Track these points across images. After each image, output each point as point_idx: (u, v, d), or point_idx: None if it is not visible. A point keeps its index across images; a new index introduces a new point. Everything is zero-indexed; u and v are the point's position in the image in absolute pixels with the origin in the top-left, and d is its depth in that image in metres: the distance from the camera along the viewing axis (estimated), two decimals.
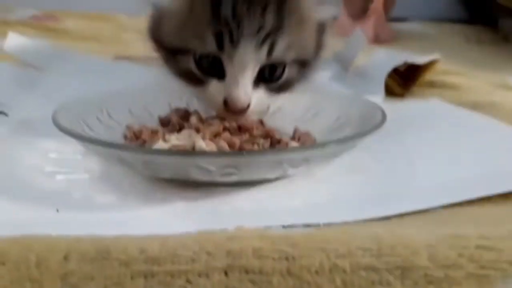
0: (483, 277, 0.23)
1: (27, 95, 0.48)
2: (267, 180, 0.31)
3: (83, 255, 0.22)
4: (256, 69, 0.33)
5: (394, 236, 0.24)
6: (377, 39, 0.90)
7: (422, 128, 0.42)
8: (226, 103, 0.34)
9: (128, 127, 0.36)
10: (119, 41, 0.82)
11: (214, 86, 0.34)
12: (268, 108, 0.37)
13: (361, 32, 0.59)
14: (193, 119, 0.36)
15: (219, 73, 0.33)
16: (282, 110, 0.39)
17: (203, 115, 0.37)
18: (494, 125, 0.43)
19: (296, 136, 0.36)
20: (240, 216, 0.28)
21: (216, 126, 0.34)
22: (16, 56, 0.57)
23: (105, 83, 0.48)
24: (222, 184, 0.30)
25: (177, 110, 0.39)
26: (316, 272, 0.22)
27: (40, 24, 0.91)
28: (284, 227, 0.26)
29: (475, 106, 0.48)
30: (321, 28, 0.37)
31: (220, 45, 0.32)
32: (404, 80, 0.55)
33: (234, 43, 0.32)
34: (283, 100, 0.37)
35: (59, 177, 0.32)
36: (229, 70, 0.33)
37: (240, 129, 0.34)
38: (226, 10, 0.31)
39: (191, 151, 0.31)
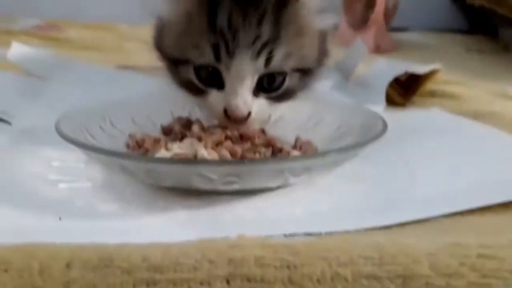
0: (485, 286, 0.23)
1: (30, 104, 0.48)
2: (268, 189, 0.31)
3: (85, 263, 0.22)
4: (255, 79, 0.33)
5: (396, 245, 0.24)
6: (378, 49, 0.90)
7: (423, 137, 0.42)
8: (226, 112, 0.34)
9: (131, 136, 0.36)
10: (121, 50, 0.83)
11: (214, 96, 0.34)
12: (269, 117, 0.37)
13: (362, 42, 0.60)
14: (195, 128, 0.36)
15: (219, 83, 0.34)
16: (283, 119, 0.40)
17: (205, 124, 0.37)
18: (494, 135, 0.43)
19: (297, 145, 0.36)
20: (242, 224, 0.28)
21: (218, 135, 0.34)
22: (19, 65, 0.57)
23: (107, 92, 0.49)
24: (224, 192, 0.31)
25: (179, 119, 0.39)
26: (318, 280, 0.22)
27: (43, 33, 0.92)
28: (285, 235, 0.26)
29: (476, 116, 0.48)
30: (323, 37, 0.37)
31: (217, 56, 0.32)
32: (404, 90, 0.55)
33: (231, 54, 0.32)
34: (285, 109, 0.37)
35: (62, 185, 0.33)
36: (227, 80, 0.33)
37: (242, 138, 0.35)
38: (222, 21, 0.32)
39: (193, 160, 0.31)
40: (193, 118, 0.40)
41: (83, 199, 0.31)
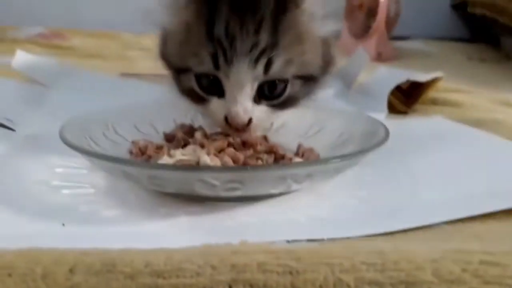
0: None
1: (34, 111, 0.48)
2: (271, 195, 0.31)
3: (89, 268, 0.22)
4: (254, 86, 0.33)
5: (398, 251, 0.24)
6: (379, 57, 0.91)
7: (425, 145, 0.42)
8: (227, 120, 0.34)
9: (134, 143, 0.37)
10: (124, 58, 0.84)
11: (215, 104, 0.35)
12: (272, 124, 0.37)
13: (364, 50, 0.60)
14: (198, 135, 0.36)
15: (219, 91, 0.34)
16: (286, 126, 0.40)
17: (208, 131, 0.37)
18: (496, 142, 0.43)
19: (299, 152, 0.37)
20: (244, 230, 0.28)
21: (221, 141, 0.34)
22: (23, 73, 0.58)
23: (111, 99, 0.49)
24: (227, 199, 0.31)
25: (182, 126, 0.39)
26: (320, 286, 0.22)
27: (47, 42, 0.93)
28: (288, 241, 0.26)
29: (478, 123, 0.48)
30: (327, 44, 0.37)
31: (216, 65, 0.33)
32: (406, 98, 0.55)
33: (229, 62, 0.32)
34: (287, 117, 0.38)
35: (66, 191, 0.33)
36: (227, 88, 0.34)
37: (244, 145, 0.35)
38: (219, 30, 0.32)
39: (196, 166, 0.31)
40: (196, 125, 0.40)
41: (86, 205, 0.31)
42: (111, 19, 1.08)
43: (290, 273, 0.23)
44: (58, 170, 0.36)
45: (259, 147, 0.35)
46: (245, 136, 0.35)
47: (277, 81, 0.34)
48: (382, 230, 0.28)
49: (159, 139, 0.38)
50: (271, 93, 0.34)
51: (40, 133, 0.43)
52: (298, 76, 0.35)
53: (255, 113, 0.34)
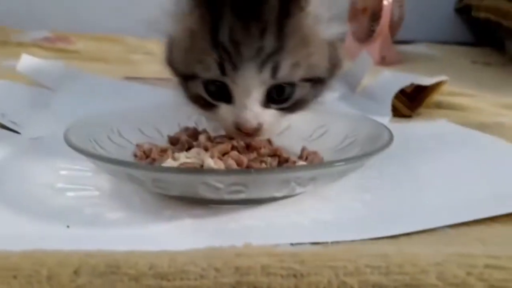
0: None
1: (39, 114, 0.49)
2: (275, 198, 0.31)
3: (93, 270, 0.22)
4: (262, 91, 0.33)
5: (403, 254, 0.24)
6: (383, 61, 0.91)
7: (429, 148, 0.42)
8: (237, 125, 0.34)
9: (138, 146, 0.37)
10: (128, 62, 0.84)
11: (224, 110, 0.35)
12: (281, 127, 0.37)
13: (367, 54, 0.60)
14: (202, 138, 0.36)
15: (227, 97, 0.34)
16: (290, 130, 0.40)
17: (212, 134, 0.37)
18: (500, 146, 0.43)
19: (303, 155, 0.37)
20: (248, 233, 0.28)
21: (225, 145, 0.34)
22: (28, 77, 0.58)
23: (115, 102, 0.49)
24: (231, 202, 0.31)
25: (186, 129, 0.39)
26: None
27: (52, 45, 0.93)
28: (292, 244, 0.26)
29: (482, 127, 0.48)
30: (333, 47, 0.37)
31: (223, 71, 0.33)
32: (410, 101, 0.55)
33: (235, 67, 0.32)
34: (291, 120, 0.37)
35: (70, 194, 0.33)
36: (235, 93, 0.33)
37: (248, 148, 0.35)
38: (224, 36, 0.32)
39: (200, 169, 0.31)
40: (200, 128, 0.40)
41: (91, 208, 0.31)
42: (116, 23, 1.09)
43: (294, 276, 0.23)
44: (63, 172, 0.36)
45: (263, 150, 0.35)
46: (256, 140, 0.35)
47: (284, 85, 0.34)
48: (386, 234, 0.28)
49: (163, 142, 0.38)
50: (279, 97, 0.34)
51: (45, 135, 0.43)
52: (306, 79, 0.34)
53: (265, 117, 0.34)
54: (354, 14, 0.94)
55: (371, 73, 0.60)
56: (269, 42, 0.32)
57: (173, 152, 0.34)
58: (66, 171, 0.36)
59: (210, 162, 0.31)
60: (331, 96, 0.38)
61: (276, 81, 0.33)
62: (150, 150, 0.36)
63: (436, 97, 0.57)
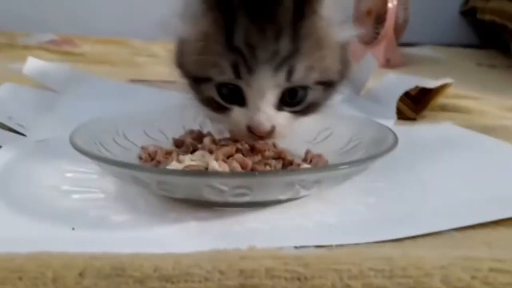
0: None
1: (45, 117, 0.49)
2: (279, 201, 0.31)
3: (98, 272, 0.23)
4: (277, 94, 0.33)
5: (407, 258, 0.24)
6: (388, 63, 0.91)
7: (434, 151, 0.42)
8: (250, 128, 0.34)
9: (143, 148, 0.37)
10: (133, 64, 0.84)
11: (237, 113, 0.34)
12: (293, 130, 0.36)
13: (372, 56, 0.60)
14: (207, 141, 0.36)
15: (240, 100, 0.34)
16: (294, 132, 0.40)
17: (216, 137, 0.37)
18: (505, 149, 0.43)
19: (308, 158, 0.37)
20: (253, 236, 0.28)
21: (229, 147, 0.34)
22: (35, 79, 0.59)
23: (121, 105, 0.49)
24: (235, 204, 0.31)
25: (191, 132, 0.40)
26: None
27: (58, 48, 0.94)
28: (296, 247, 0.26)
29: (487, 130, 0.48)
30: (344, 49, 0.37)
31: (237, 74, 0.32)
32: (415, 104, 0.55)
33: (250, 70, 0.32)
34: (303, 123, 0.37)
35: (76, 196, 0.33)
36: (249, 96, 0.33)
37: (253, 151, 0.35)
38: (239, 39, 0.32)
39: (204, 172, 0.31)
40: (205, 131, 0.40)
41: (96, 210, 0.31)
42: (121, 26, 1.09)
43: (298, 279, 0.23)
44: (69, 175, 0.36)
45: (267, 153, 0.35)
46: (268, 143, 0.35)
47: (298, 88, 0.34)
48: (390, 237, 0.28)
49: (168, 145, 0.39)
50: (292, 100, 0.34)
51: (51, 138, 0.43)
52: (319, 82, 0.34)
53: (278, 120, 0.34)
54: (359, 16, 0.94)
55: (376, 75, 0.60)
56: (284, 45, 0.32)
57: (178, 155, 0.34)
58: (72, 173, 0.36)
59: (215, 165, 0.31)
60: (335, 99, 0.38)
61: (290, 84, 0.33)
62: (155, 152, 0.36)
63: (441, 99, 0.57)
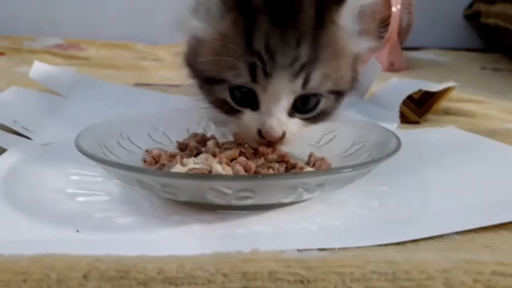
0: None
1: (51, 120, 0.49)
2: (282, 204, 0.32)
3: (102, 274, 0.23)
4: (291, 100, 0.33)
5: (409, 261, 0.24)
6: (392, 68, 0.91)
7: (437, 154, 0.42)
8: (260, 133, 0.34)
9: (147, 151, 0.37)
10: (138, 68, 0.85)
11: (249, 116, 0.34)
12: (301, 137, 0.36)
13: (376, 60, 0.60)
14: (210, 144, 0.37)
15: (253, 104, 0.34)
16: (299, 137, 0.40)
17: (220, 140, 0.38)
18: (509, 152, 0.43)
19: (311, 161, 0.37)
20: (256, 239, 0.28)
21: (232, 150, 0.34)
22: (41, 83, 0.59)
23: (125, 109, 0.50)
24: (238, 207, 0.31)
25: (194, 135, 0.40)
26: None
27: (64, 52, 0.95)
28: (299, 250, 0.26)
29: (491, 133, 0.48)
30: (356, 59, 0.37)
31: (254, 77, 0.32)
32: (419, 108, 0.55)
33: (268, 75, 0.32)
34: (311, 130, 0.37)
35: (80, 199, 0.33)
36: (263, 101, 0.33)
37: (256, 154, 0.35)
38: (259, 43, 0.32)
39: (208, 175, 0.31)
40: (208, 134, 0.40)
41: (100, 213, 0.31)
42: (126, 30, 1.10)
43: (301, 281, 0.23)
44: (73, 178, 0.36)
45: (270, 156, 0.35)
46: (279, 149, 0.35)
47: (311, 95, 0.34)
48: (393, 240, 0.28)
49: (172, 148, 0.39)
50: (304, 107, 0.34)
51: (56, 141, 0.43)
52: (332, 91, 0.34)
53: (289, 126, 0.34)
54: None
55: (380, 79, 0.60)
56: (304, 52, 0.32)
57: (181, 158, 0.35)
58: (77, 176, 0.36)
59: (218, 168, 0.32)
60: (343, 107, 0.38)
61: (305, 91, 0.33)
62: (159, 155, 0.36)
63: (444, 103, 0.57)
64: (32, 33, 1.05)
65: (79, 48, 1.00)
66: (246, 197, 0.29)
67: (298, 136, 0.35)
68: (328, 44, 0.33)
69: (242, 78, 0.33)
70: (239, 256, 0.25)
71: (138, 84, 0.70)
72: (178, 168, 0.32)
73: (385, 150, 0.34)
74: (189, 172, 0.32)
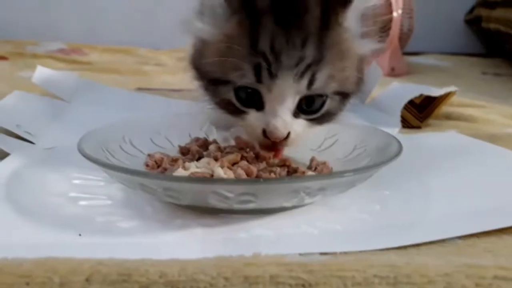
0: None
1: (53, 124, 0.50)
2: (284, 208, 0.32)
3: (104, 277, 0.23)
4: (296, 100, 0.33)
5: (411, 265, 0.24)
6: (393, 72, 0.91)
7: (439, 159, 0.42)
8: (265, 133, 0.34)
9: (150, 156, 0.37)
10: (140, 73, 0.85)
11: (253, 117, 0.34)
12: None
13: (377, 65, 0.61)
14: (212, 148, 0.37)
15: (258, 104, 0.34)
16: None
17: (221, 145, 0.38)
18: (510, 157, 0.43)
19: (313, 165, 0.37)
20: (257, 243, 0.28)
21: (234, 155, 0.35)
22: (43, 88, 0.59)
23: (127, 113, 0.50)
24: (240, 211, 0.31)
25: (196, 140, 0.40)
26: None
27: (67, 57, 0.95)
28: (301, 254, 0.26)
29: (492, 138, 0.48)
30: (361, 61, 0.37)
31: (259, 78, 0.32)
32: (420, 112, 0.55)
33: (273, 75, 0.32)
34: (316, 131, 0.37)
35: (83, 202, 0.33)
36: (268, 101, 0.33)
37: (258, 158, 0.35)
38: (265, 43, 0.32)
39: (210, 179, 0.31)
40: (210, 138, 0.40)
41: (103, 216, 0.31)
42: (128, 35, 1.10)
43: (303, 285, 0.23)
44: (76, 181, 0.36)
45: (272, 160, 0.35)
46: (282, 150, 0.35)
47: (315, 96, 0.34)
48: (395, 244, 0.28)
49: (174, 152, 0.39)
50: (309, 108, 0.34)
51: (59, 146, 0.44)
52: (337, 92, 0.35)
53: (294, 127, 0.34)
54: None
55: (381, 84, 0.60)
56: (309, 53, 0.32)
57: (183, 162, 0.35)
58: (79, 180, 0.36)
59: (220, 172, 0.32)
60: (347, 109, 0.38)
61: (310, 92, 0.33)
62: (161, 159, 0.36)
63: (445, 108, 0.57)
64: (35, 38, 1.06)
65: (81, 53, 1.00)
66: (248, 201, 0.29)
67: (302, 137, 0.35)
68: (333, 45, 0.33)
69: (247, 78, 0.33)
70: (241, 260, 0.25)
71: (140, 89, 0.70)
72: (180, 172, 0.33)
73: (387, 155, 0.34)
74: (191, 176, 0.32)
